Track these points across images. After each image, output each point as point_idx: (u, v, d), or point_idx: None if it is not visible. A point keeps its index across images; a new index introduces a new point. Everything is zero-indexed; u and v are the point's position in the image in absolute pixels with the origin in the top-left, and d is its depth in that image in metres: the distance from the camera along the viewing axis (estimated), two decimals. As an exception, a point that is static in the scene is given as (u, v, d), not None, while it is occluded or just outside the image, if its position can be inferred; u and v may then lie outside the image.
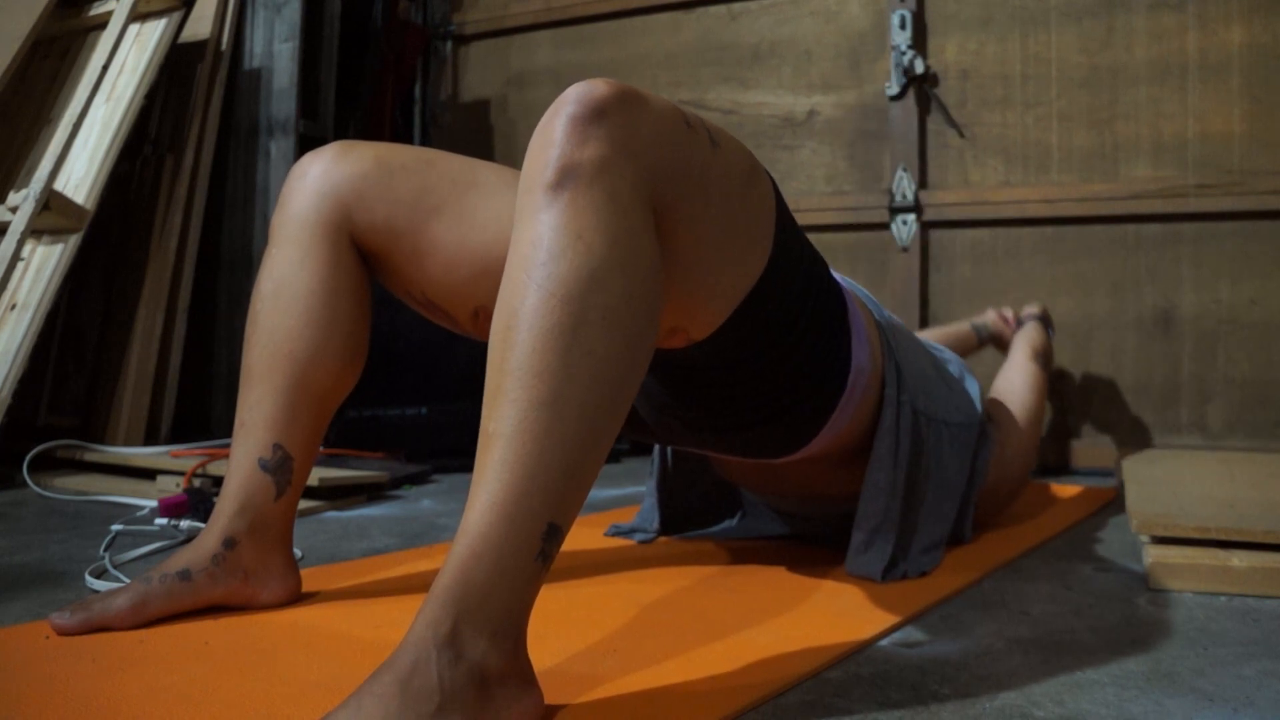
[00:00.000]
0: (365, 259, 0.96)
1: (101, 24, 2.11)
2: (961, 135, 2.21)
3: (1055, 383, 2.14)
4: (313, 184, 0.94)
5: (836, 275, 1.09)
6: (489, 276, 0.90)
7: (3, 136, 2.13)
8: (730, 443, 1.02)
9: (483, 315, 0.93)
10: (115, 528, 1.29)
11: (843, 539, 1.14)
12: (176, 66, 2.26)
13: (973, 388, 1.30)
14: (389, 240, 0.93)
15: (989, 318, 2.07)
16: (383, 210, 0.93)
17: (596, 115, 0.68)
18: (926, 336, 1.86)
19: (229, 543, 0.90)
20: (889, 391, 1.06)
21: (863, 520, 1.08)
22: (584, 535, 1.29)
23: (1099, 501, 1.63)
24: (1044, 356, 1.84)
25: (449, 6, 2.80)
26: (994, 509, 1.37)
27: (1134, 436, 2.09)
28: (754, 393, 0.94)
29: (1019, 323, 2.03)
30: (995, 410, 1.42)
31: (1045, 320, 2.04)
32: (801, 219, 2.40)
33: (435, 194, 0.93)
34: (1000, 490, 1.35)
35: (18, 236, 1.77)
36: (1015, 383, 1.65)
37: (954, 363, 1.34)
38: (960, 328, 2.03)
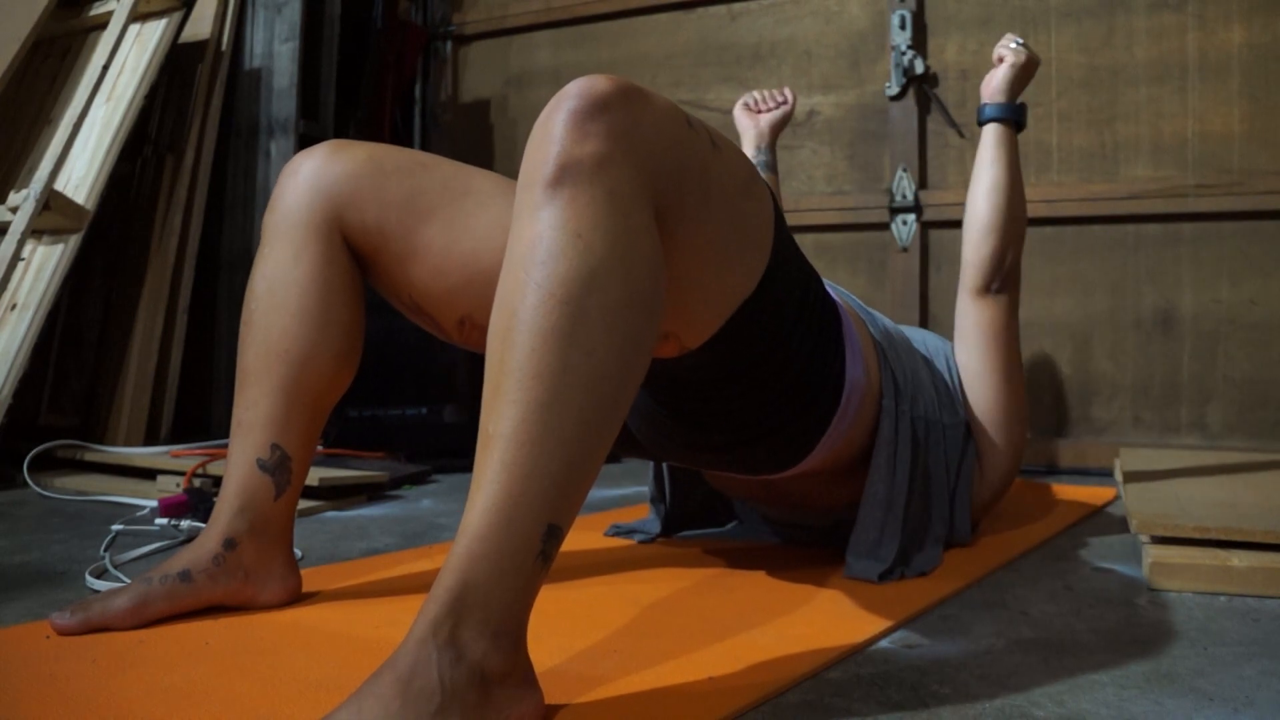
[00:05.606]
0: (356, 259, 0.96)
1: (101, 24, 2.11)
2: (961, 135, 2.21)
3: (1050, 379, 2.14)
4: (305, 182, 0.94)
5: (830, 287, 1.08)
6: (477, 285, 0.90)
7: (3, 136, 2.13)
8: (724, 459, 1.01)
9: (469, 324, 0.92)
10: (115, 528, 1.29)
11: (840, 543, 1.14)
12: (176, 66, 2.26)
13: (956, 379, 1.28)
14: (379, 241, 0.93)
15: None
16: (374, 211, 0.92)
17: (597, 111, 0.67)
18: None
19: (229, 543, 0.90)
20: (886, 402, 1.06)
21: (862, 532, 1.07)
22: (584, 535, 1.29)
23: (1099, 501, 1.63)
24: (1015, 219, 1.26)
25: (449, 6, 2.80)
26: (992, 495, 1.33)
27: (1134, 436, 2.09)
28: (747, 408, 0.93)
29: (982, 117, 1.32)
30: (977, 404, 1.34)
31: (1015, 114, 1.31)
32: (801, 219, 2.41)
33: (427, 198, 0.92)
34: (992, 482, 1.32)
35: (18, 236, 1.77)
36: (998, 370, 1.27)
37: (939, 355, 1.30)
38: None
